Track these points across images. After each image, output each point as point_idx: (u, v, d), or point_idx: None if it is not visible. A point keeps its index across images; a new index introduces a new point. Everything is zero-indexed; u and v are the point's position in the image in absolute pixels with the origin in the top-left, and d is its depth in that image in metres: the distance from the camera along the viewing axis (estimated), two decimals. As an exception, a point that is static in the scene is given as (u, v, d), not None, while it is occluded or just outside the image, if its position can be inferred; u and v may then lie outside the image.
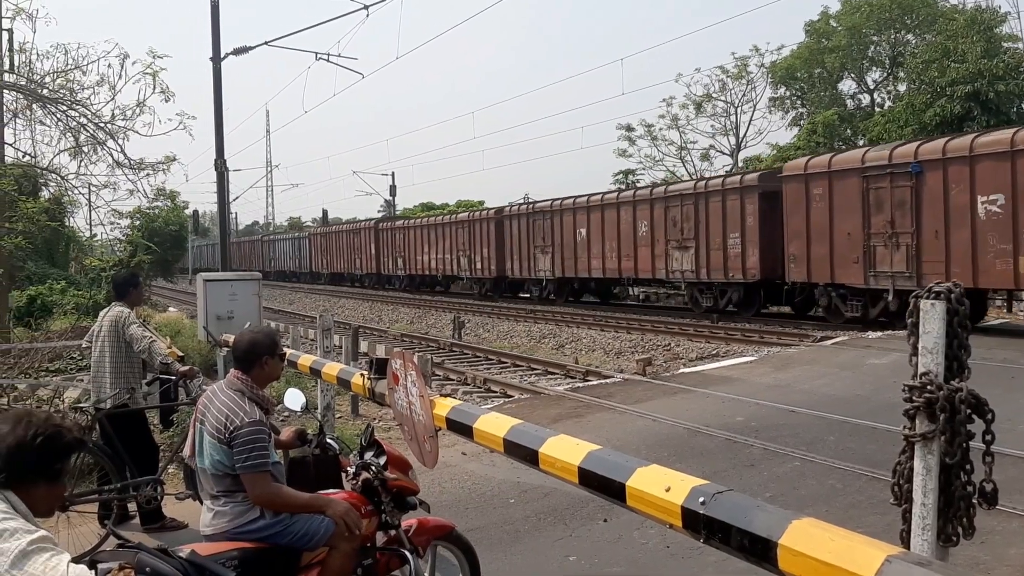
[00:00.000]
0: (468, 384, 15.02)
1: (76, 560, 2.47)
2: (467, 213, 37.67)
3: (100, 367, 6.61)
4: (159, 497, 6.34)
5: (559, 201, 31.13)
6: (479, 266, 35.67)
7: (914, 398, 2.25)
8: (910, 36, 38.97)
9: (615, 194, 28.93)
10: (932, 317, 2.24)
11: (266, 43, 20.40)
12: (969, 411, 2.23)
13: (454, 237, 37.35)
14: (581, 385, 13.22)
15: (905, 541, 2.30)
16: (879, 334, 16.57)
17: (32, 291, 21.14)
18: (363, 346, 18.50)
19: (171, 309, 28.69)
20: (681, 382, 12.20)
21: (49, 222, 15.22)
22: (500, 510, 6.72)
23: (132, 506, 6.50)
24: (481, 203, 54.73)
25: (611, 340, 20.52)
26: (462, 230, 36.70)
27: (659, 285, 30.01)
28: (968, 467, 2.27)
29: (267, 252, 64.64)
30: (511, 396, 13.15)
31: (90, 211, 19.92)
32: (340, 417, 9.88)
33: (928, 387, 2.23)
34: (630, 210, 26.70)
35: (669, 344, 19.24)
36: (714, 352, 17.56)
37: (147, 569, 2.72)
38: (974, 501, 2.29)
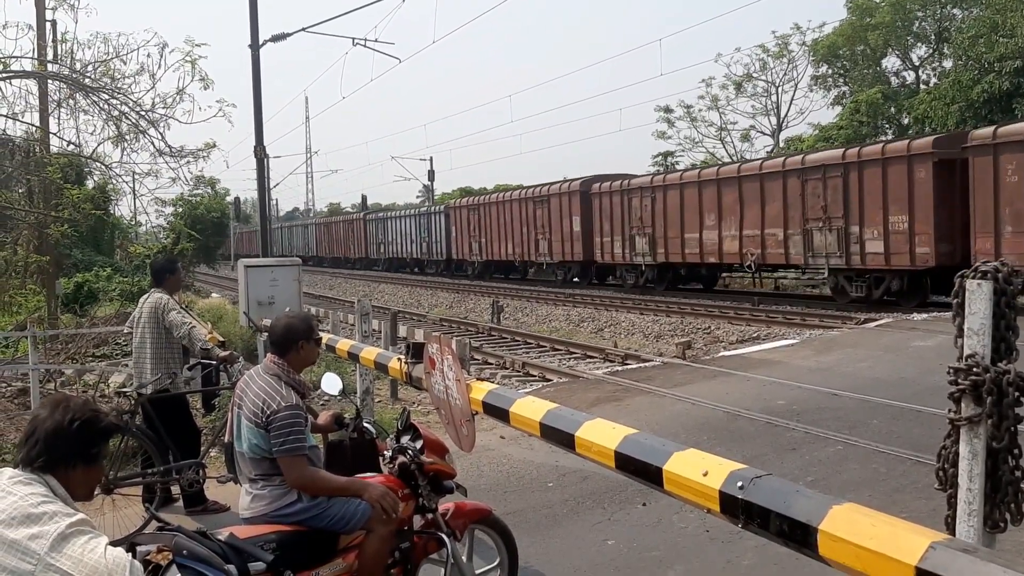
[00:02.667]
0: (507, 368, 15.03)
1: (119, 542, 2.51)
2: (820, 154, 21.90)
3: (141, 353, 6.70)
4: (201, 480, 6.43)
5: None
6: (864, 247, 19.43)
7: (959, 381, 2.18)
8: (956, 11, 38.10)
9: None
10: (978, 297, 2.17)
11: (303, 29, 20.48)
12: (1018, 394, 2.16)
13: (782, 196, 21.28)
14: (620, 369, 13.17)
15: (950, 527, 2.24)
16: (924, 316, 16.27)
17: (79, 278, 21.58)
18: (402, 331, 18.59)
19: (214, 295, 29.08)
20: (721, 365, 12.09)
21: (94, 210, 15.46)
22: (538, 494, 6.71)
23: (176, 489, 6.60)
24: (520, 187, 54.45)
25: (650, 323, 20.41)
26: (812, 182, 20.50)
27: None
28: (1016, 451, 2.20)
29: (375, 234, 50.11)
30: (550, 380, 13.14)
31: (134, 199, 20.31)
32: (379, 401, 9.94)
33: (974, 369, 2.16)
34: None
35: (709, 327, 19.08)
36: (755, 335, 17.38)
37: (184, 552, 2.76)
38: (1023, 487, 2.22)
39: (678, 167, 46.55)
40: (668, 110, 50.23)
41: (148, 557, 2.65)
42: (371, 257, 51.41)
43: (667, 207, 25.66)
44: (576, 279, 31.62)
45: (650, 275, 27.31)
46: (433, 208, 44.10)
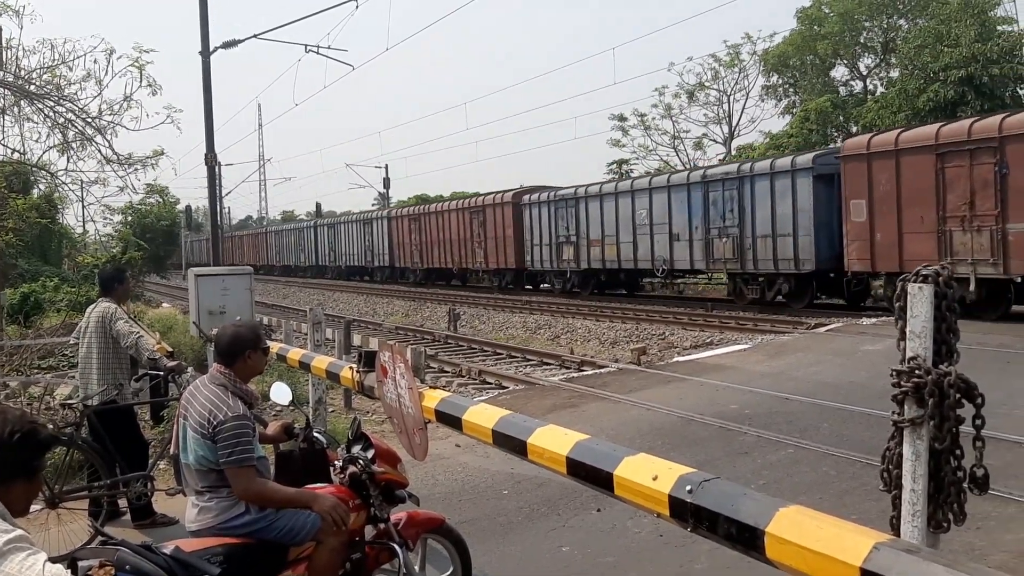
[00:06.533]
0: (463, 376, 14.98)
1: (61, 558, 2.44)
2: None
3: (87, 363, 6.56)
4: (149, 493, 6.31)
5: None
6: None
7: (902, 383, 2.21)
8: (902, 21, 38.86)
9: None
10: (920, 301, 2.20)
11: (255, 36, 20.28)
12: (958, 395, 2.19)
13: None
14: (576, 375, 13.20)
15: (895, 528, 2.27)
16: (873, 320, 16.54)
17: (25, 288, 21.06)
18: (357, 339, 18.44)
19: (164, 305, 28.63)
20: (675, 371, 12.18)
21: (40, 219, 15.14)
22: (493, 502, 6.69)
23: (123, 502, 6.46)
24: (476, 195, 54.27)
25: (606, 330, 20.50)
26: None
27: None
28: (958, 452, 2.24)
29: (553, 227, 28.92)
30: (506, 387, 13.12)
31: (82, 208, 19.96)
32: (333, 411, 9.85)
33: (916, 372, 2.19)
34: None
35: (664, 333, 19.22)
36: (708, 340, 17.53)
37: (127, 567, 2.69)
38: (965, 487, 2.25)
39: (632, 175, 46.79)
40: (622, 118, 50.52)
41: (89, 573, 2.58)
42: (537, 268, 30.56)
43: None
44: None
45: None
46: (737, 168, 22.26)
